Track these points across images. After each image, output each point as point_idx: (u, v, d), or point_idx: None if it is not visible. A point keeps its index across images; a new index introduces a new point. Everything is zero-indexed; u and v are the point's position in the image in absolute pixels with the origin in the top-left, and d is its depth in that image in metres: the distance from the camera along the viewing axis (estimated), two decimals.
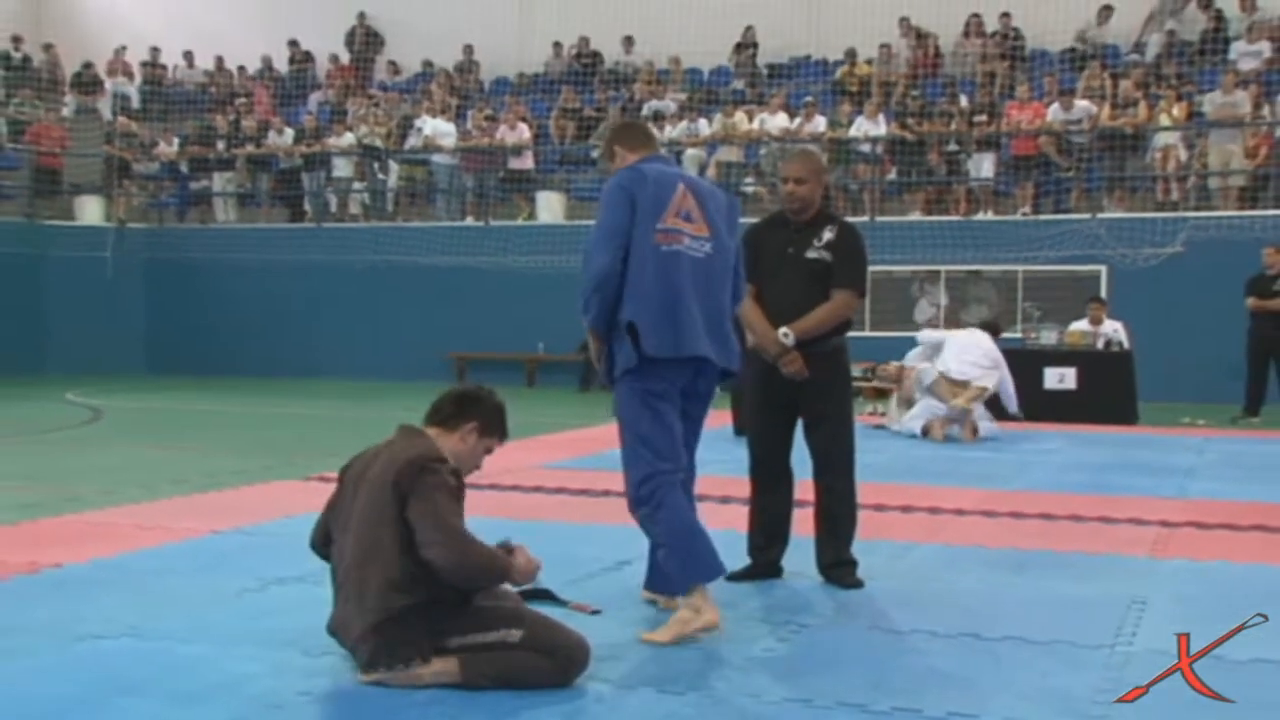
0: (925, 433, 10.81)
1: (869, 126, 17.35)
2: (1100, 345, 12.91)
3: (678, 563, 4.20)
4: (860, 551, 5.14)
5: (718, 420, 10.52)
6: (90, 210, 20.04)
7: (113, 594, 4.72)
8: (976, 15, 18.84)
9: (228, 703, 3.46)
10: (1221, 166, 16.08)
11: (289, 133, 20.07)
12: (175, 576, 5.07)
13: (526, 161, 18.91)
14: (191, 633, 4.15)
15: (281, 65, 22.55)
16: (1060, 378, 12.63)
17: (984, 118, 17.21)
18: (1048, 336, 13.17)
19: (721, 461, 7.44)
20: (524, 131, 18.83)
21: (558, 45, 21.13)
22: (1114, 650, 4.11)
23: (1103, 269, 15.67)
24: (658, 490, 4.18)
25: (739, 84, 19.72)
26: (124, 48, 22.02)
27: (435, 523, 3.53)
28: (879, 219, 16.89)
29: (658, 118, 18.31)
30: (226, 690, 3.56)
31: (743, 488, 5.32)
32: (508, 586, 4.00)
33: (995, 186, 17.20)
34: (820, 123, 17.65)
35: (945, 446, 10.37)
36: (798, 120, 17.78)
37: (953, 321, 16.26)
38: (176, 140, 20.71)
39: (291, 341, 18.85)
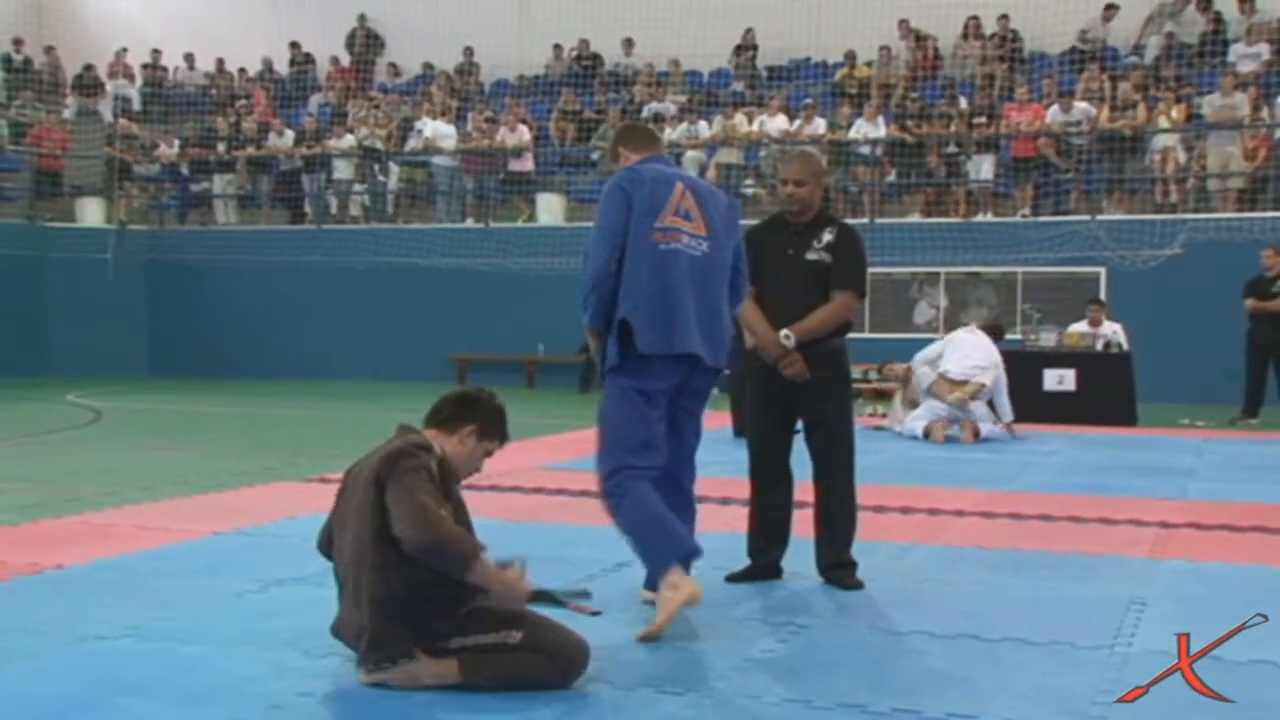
0: (926, 434, 10.82)
1: (868, 128, 17.37)
2: (1099, 347, 12.92)
3: (644, 549, 4.31)
4: (860, 553, 5.14)
5: (718, 421, 10.54)
6: (91, 212, 20.05)
7: (114, 595, 4.72)
8: (975, 17, 18.86)
9: (229, 703, 3.47)
10: (1220, 168, 16.10)
11: (289, 135, 20.09)
12: (176, 577, 5.08)
13: (526, 163, 18.93)
14: (192, 633, 4.16)
15: (282, 67, 22.57)
16: (1060, 379, 12.64)
17: (983, 120, 17.23)
18: (1047, 338, 13.18)
19: (721, 463, 7.45)
20: (524, 133, 18.85)
21: (558, 47, 21.15)
22: (1113, 651, 4.12)
23: (1102, 270, 15.69)
24: (624, 482, 4.29)
25: (739, 86, 19.74)
26: (125, 50, 22.05)
27: (405, 497, 3.50)
28: (879, 221, 16.91)
29: (658, 120, 18.32)
30: (227, 691, 3.56)
31: (743, 489, 5.33)
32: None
33: (994, 188, 17.21)
34: (820, 125, 17.67)
35: (945, 448, 10.38)
36: (797, 122, 17.80)
37: (952, 323, 16.27)
38: (177, 142, 20.73)
39: (292, 343, 18.87)
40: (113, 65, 21.90)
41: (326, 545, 3.86)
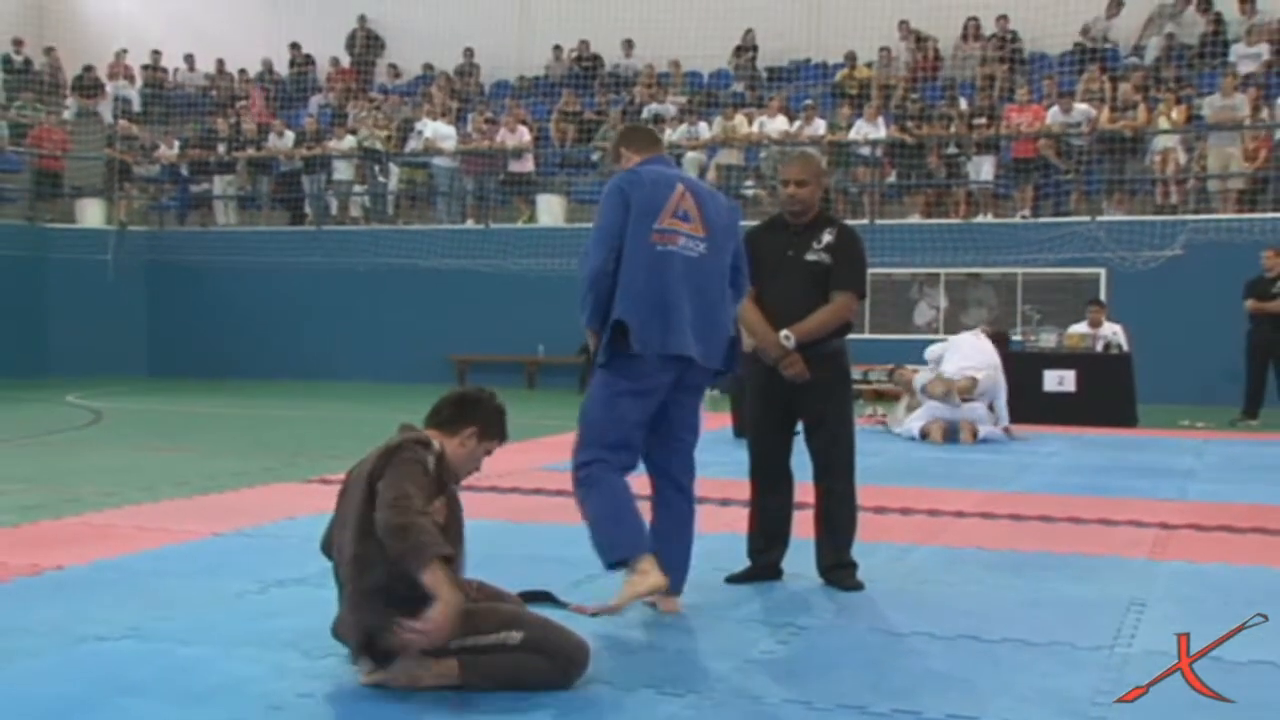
0: (924, 435, 10.83)
1: (868, 129, 17.37)
2: (1099, 348, 12.93)
3: (602, 539, 4.36)
4: (860, 554, 5.14)
5: (718, 422, 10.55)
6: (91, 213, 20.06)
7: (114, 595, 4.72)
8: (974, 18, 18.87)
9: (229, 704, 3.47)
10: (1220, 169, 16.10)
11: (289, 136, 20.10)
12: (176, 578, 5.08)
13: (527, 164, 18.94)
14: (192, 634, 4.16)
15: (282, 68, 22.57)
16: (1060, 380, 12.65)
17: (983, 120, 17.23)
18: (1047, 339, 13.20)
19: (721, 464, 7.45)
20: (524, 134, 18.86)
21: (558, 48, 21.16)
22: (1113, 651, 4.12)
23: (1102, 271, 15.69)
24: (595, 472, 4.39)
25: (739, 87, 19.74)
26: (125, 51, 22.05)
27: (392, 483, 3.50)
28: (879, 222, 16.91)
29: (658, 121, 18.32)
30: (227, 691, 3.56)
31: (742, 490, 5.33)
32: (503, 588, 4.03)
33: (995, 189, 17.22)
34: (820, 126, 17.67)
35: (945, 449, 10.38)
36: (797, 123, 17.80)
37: (952, 324, 16.28)
38: (177, 143, 20.74)
39: (292, 344, 18.87)
40: (113, 66, 21.90)
41: (328, 547, 3.86)
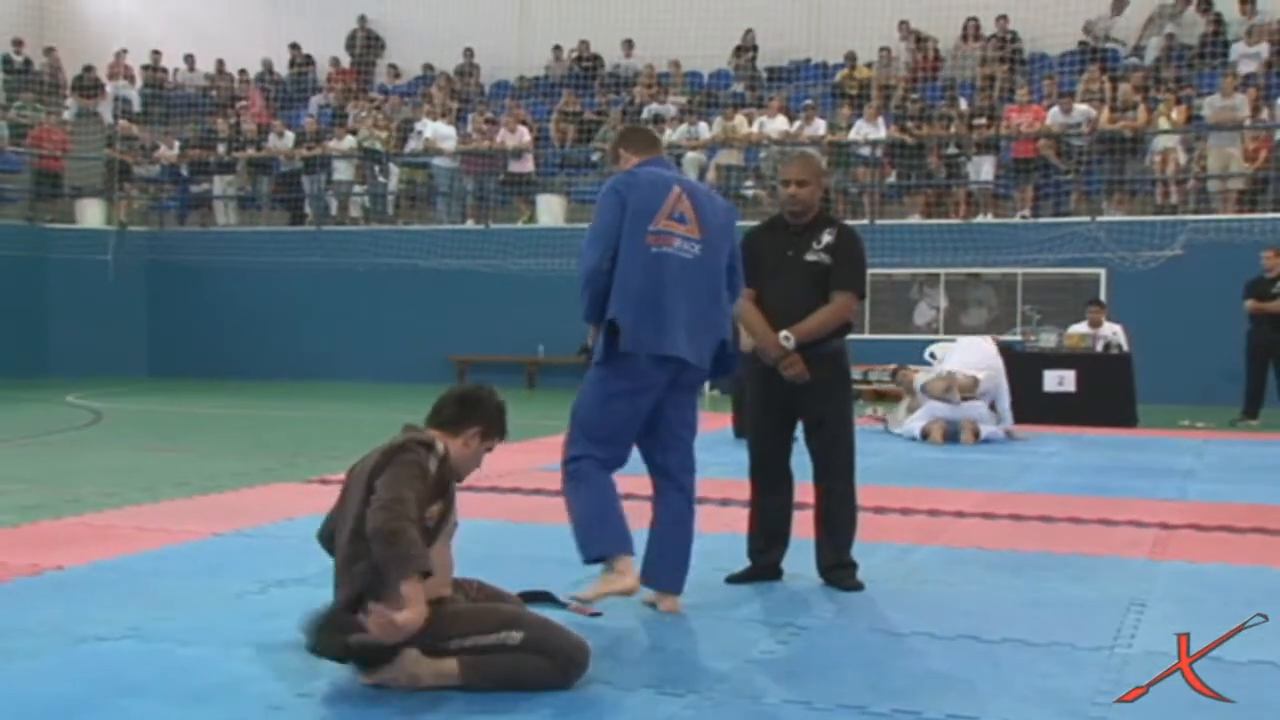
0: (924, 435, 10.82)
1: (868, 129, 17.37)
2: (1099, 348, 12.93)
3: (584, 535, 4.44)
4: (860, 554, 5.14)
5: (718, 422, 10.55)
6: (91, 213, 20.06)
7: (114, 596, 4.73)
8: (974, 18, 18.87)
9: (229, 704, 3.47)
10: (1220, 169, 16.10)
11: (289, 136, 20.10)
12: (176, 578, 5.08)
13: (527, 165, 18.94)
14: (192, 634, 4.16)
15: (282, 68, 22.57)
16: (1060, 380, 12.65)
17: (983, 121, 17.23)
18: (1047, 339, 13.19)
19: (721, 464, 7.45)
20: (524, 135, 18.86)
21: (558, 48, 21.16)
22: (1113, 652, 4.12)
23: (1102, 272, 15.69)
24: (584, 468, 4.48)
25: (739, 87, 19.74)
26: (125, 51, 22.04)
27: (389, 483, 3.51)
28: (878, 222, 16.91)
29: (658, 121, 18.32)
30: (227, 691, 3.57)
31: (743, 490, 5.33)
32: (503, 588, 4.03)
33: (995, 189, 17.22)
34: (820, 126, 17.67)
35: (945, 449, 10.38)
36: (797, 123, 17.80)
37: (952, 325, 16.29)
38: (177, 143, 20.74)
39: (292, 344, 18.87)
40: (113, 66, 21.90)
41: (327, 540, 3.86)
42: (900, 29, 19.25)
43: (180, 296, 19.48)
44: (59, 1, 23.04)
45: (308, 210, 19.93)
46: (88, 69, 21.61)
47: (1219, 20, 17.88)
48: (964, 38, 19.03)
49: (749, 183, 18.14)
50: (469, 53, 21.48)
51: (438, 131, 18.95)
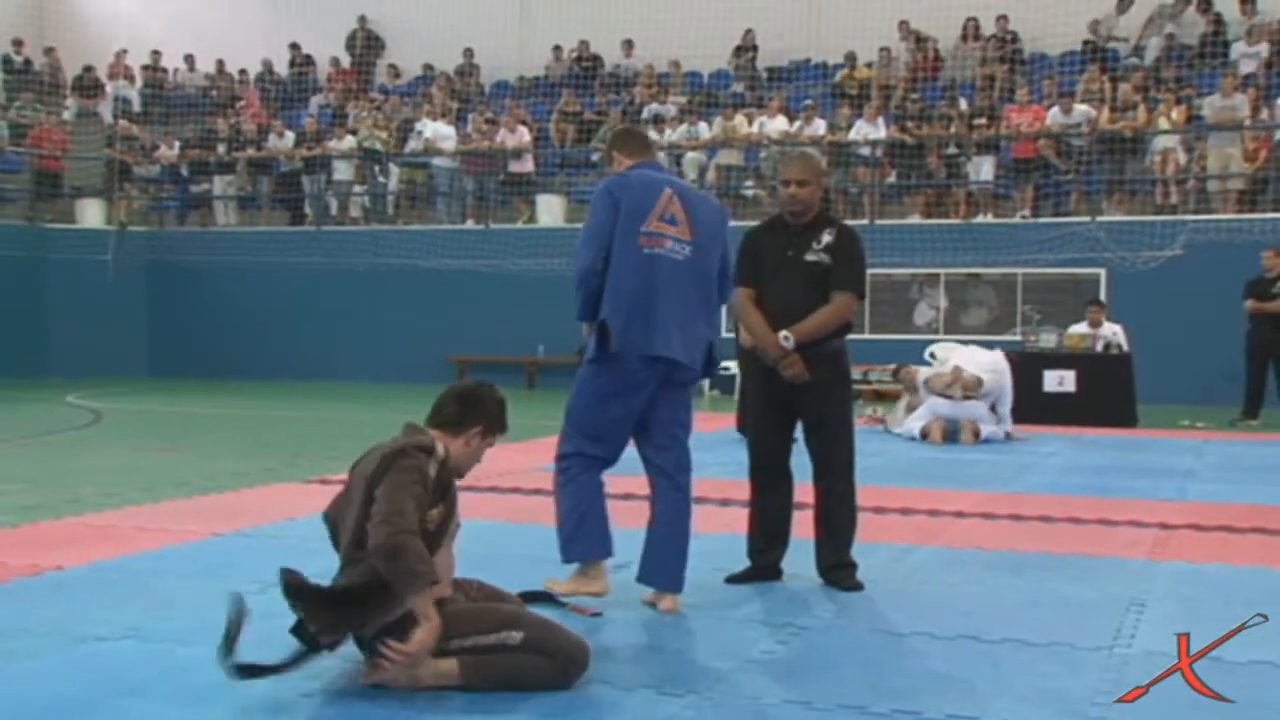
0: (924, 435, 10.82)
1: (868, 129, 17.37)
2: (1099, 348, 12.93)
3: (564, 534, 4.60)
4: (860, 554, 5.15)
5: (720, 422, 10.55)
6: (91, 213, 20.05)
7: (114, 596, 4.73)
8: (974, 18, 18.87)
9: (229, 704, 3.48)
10: (1220, 169, 16.10)
11: (289, 136, 20.10)
12: (176, 578, 5.08)
13: (526, 165, 18.94)
14: (192, 634, 4.16)
15: (282, 68, 22.57)
16: (1060, 380, 12.65)
17: (983, 121, 17.23)
18: (1047, 339, 13.19)
19: (722, 464, 7.46)
20: (524, 135, 18.85)
21: (558, 49, 21.15)
22: (1113, 652, 4.12)
23: (1102, 272, 15.69)
24: (573, 467, 4.61)
25: (739, 87, 19.74)
26: (125, 51, 22.04)
27: (390, 494, 3.50)
28: (878, 222, 16.91)
29: (658, 121, 18.33)
30: (228, 691, 3.56)
31: (743, 490, 5.34)
32: (503, 589, 4.03)
33: (995, 189, 17.22)
34: (820, 126, 17.67)
35: (945, 449, 10.38)
36: (797, 123, 17.80)
37: (952, 325, 16.29)
38: (177, 143, 20.73)
39: (292, 344, 18.87)
40: (113, 66, 21.90)
41: (334, 529, 3.84)
42: (900, 29, 19.25)
43: (180, 296, 19.48)
44: (59, 1, 23.04)
45: (308, 210, 19.93)
46: (88, 69, 21.61)
47: (1219, 20, 17.88)
48: (964, 38, 19.03)
49: (749, 183, 18.14)
50: (469, 53, 21.48)
51: (438, 131, 18.95)
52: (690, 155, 17.87)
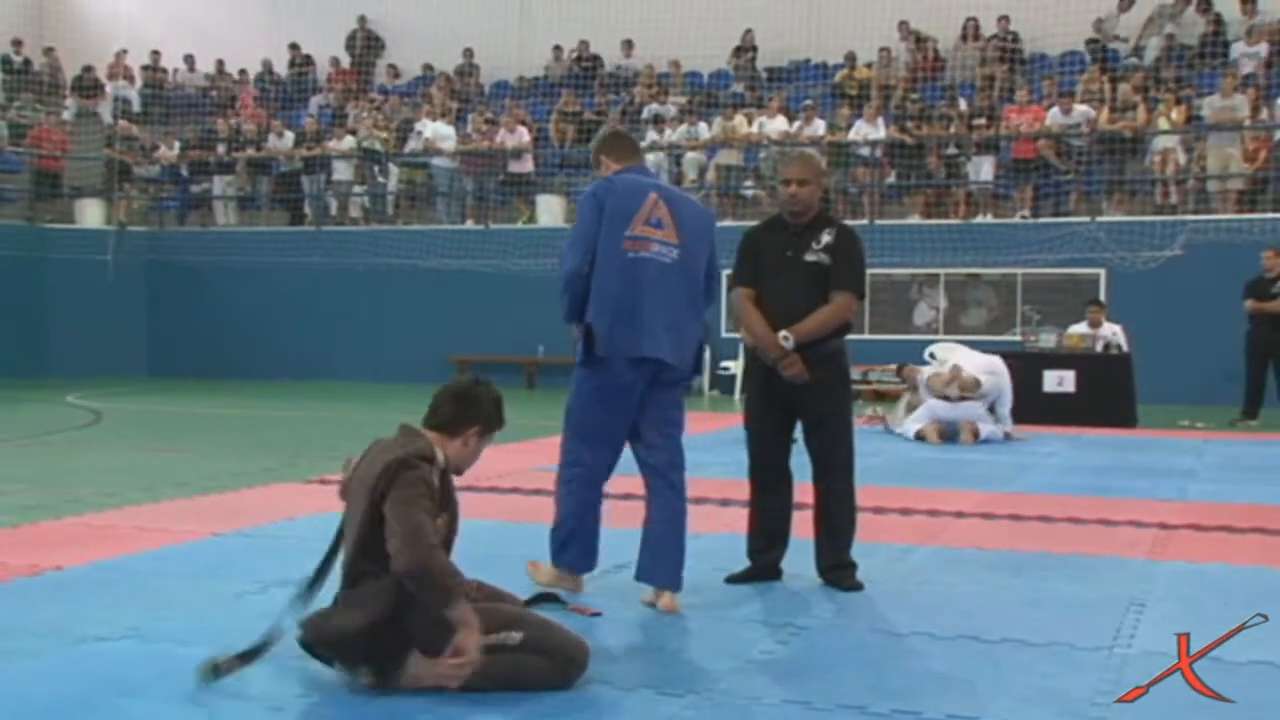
0: (920, 437, 10.80)
1: (868, 130, 17.37)
2: (1099, 348, 12.93)
3: (555, 540, 4.79)
4: (859, 554, 5.15)
5: (720, 422, 10.55)
6: (91, 213, 20.05)
7: (114, 596, 4.73)
8: (974, 19, 18.87)
9: (229, 704, 3.48)
10: (1220, 170, 16.10)
11: (289, 136, 20.10)
12: (176, 578, 5.08)
13: (526, 165, 18.94)
14: (192, 635, 4.16)
15: (282, 68, 22.57)
16: (1059, 380, 12.65)
17: (983, 121, 17.23)
18: (1047, 339, 13.19)
19: (722, 464, 7.45)
20: (524, 135, 18.85)
21: (558, 49, 21.15)
22: (1113, 652, 4.12)
23: (1102, 272, 15.69)
24: (578, 478, 4.75)
25: (738, 87, 19.74)
26: (125, 51, 22.04)
27: (403, 513, 3.49)
28: (878, 222, 16.91)
29: (658, 121, 18.33)
30: (227, 692, 3.56)
31: (742, 490, 5.34)
32: (503, 589, 4.03)
33: (994, 190, 17.22)
34: (820, 126, 17.67)
35: (944, 449, 10.38)
36: (797, 123, 17.80)
37: (952, 325, 16.29)
38: (177, 143, 20.74)
39: (292, 344, 18.87)
40: (112, 66, 21.90)
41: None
42: (900, 29, 19.25)
43: (180, 296, 19.48)
44: (59, 1, 23.04)
45: (307, 210, 19.93)
46: (87, 69, 21.61)
47: (1219, 20, 17.88)
48: (964, 38, 19.03)
49: (749, 183, 18.14)
50: (469, 53, 21.48)
51: (437, 131, 18.95)
52: (690, 155, 17.87)
